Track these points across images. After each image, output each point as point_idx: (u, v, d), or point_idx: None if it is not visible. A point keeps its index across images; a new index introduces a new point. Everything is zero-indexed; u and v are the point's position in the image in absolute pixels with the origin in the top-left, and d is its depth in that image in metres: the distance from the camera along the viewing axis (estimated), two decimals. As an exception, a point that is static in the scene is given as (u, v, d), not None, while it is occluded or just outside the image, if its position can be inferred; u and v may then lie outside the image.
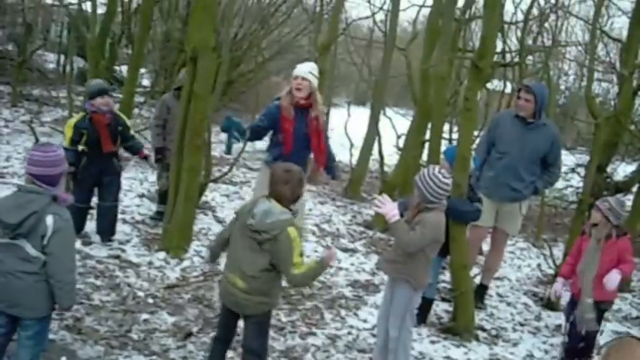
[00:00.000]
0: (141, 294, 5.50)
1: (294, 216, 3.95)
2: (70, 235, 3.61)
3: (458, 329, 5.62)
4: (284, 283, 4.05)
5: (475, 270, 6.85)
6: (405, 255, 4.40)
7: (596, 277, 5.02)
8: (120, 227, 6.84)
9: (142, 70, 14.69)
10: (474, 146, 6.59)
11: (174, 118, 6.87)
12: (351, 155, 11.70)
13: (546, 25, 11.87)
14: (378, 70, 11.24)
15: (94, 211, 6.62)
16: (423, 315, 5.70)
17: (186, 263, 6.32)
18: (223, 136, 13.68)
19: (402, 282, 4.47)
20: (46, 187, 3.52)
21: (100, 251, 6.29)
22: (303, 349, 5.02)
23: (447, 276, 6.65)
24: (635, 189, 8.70)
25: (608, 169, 9.02)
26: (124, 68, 13.38)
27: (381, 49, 11.66)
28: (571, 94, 16.02)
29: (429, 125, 7.15)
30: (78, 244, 5.97)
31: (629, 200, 8.68)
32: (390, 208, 4.30)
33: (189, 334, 4.88)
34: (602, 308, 5.16)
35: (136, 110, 12.62)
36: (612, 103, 11.04)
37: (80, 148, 6.15)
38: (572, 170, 10.82)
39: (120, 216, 6.88)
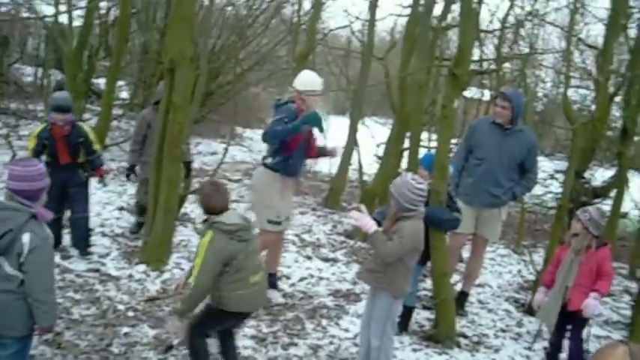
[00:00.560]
0: (121, 307, 5.46)
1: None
2: (47, 253, 3.51)
3: (439, 337, 5.63)
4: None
5: (456, 277, 6.88)
6: (384, 264, 4.41)
7: (574, 287, 5.04)
8: (99, 240, 6.79)
9: (120, 83, 14.65)
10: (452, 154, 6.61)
11: (155, 132, 6.77)
12: (331, 165, 11.68)
13: (523, 32, 11.98)
14: (357, 80, 11.28)
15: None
16: (404, 323, 5.71)
17: (166, 275, 6.28)
18: (202, 147, 13.63)
19: (382, 291, 4.48)
20: (27, 202, 3.44)
21: (80, 265, 6.25)
22: (285, 359, 5.01)
23: (427, 283, 6.66)
24: (613, 194, 8.79)
25: (587, 175, 9.11)
26: (102, 81, 13.32)
27: (359, 58, 11.72)
28: (549, 101, 16.13)
29: (408, 133, 7.17)
30: (57, 258, 5.92)
31: (607, 205, 8.78)
32: (365, 222, 4.33)
33: (170, 347, 4.84)
34: (584, 317, 5.08)
35: (115, 122, 12.56)
36: (589, 109, 11.16)
37: (44, 159, 6.10)
38: (551, 176, 10.85)
39: (99, 229, 6.83)
